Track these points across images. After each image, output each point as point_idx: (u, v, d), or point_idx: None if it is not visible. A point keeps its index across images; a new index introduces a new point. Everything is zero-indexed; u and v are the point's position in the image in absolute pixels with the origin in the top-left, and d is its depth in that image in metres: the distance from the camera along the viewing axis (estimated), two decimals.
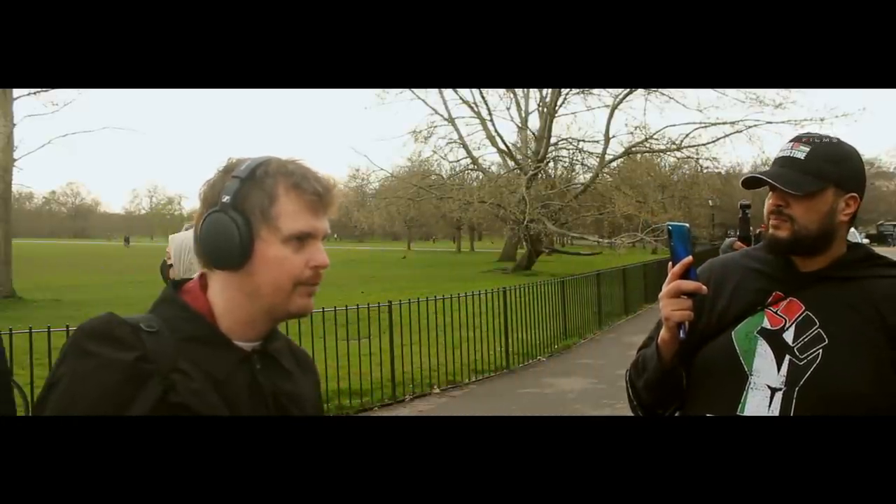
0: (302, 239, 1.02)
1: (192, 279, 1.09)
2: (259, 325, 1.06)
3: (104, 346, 0.92)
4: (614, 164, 27.63)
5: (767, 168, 1.43)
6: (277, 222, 1.01)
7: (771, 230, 1.40)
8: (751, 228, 4.50)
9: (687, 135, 25.55)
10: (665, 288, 1.37)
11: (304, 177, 1.02)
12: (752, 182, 1.43)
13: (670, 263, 1.38)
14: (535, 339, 9.21)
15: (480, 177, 28.94)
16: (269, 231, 1.01)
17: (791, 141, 1.42)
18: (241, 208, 1.00)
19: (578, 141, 27.68)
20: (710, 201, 30.43)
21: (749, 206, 4.41)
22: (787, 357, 1.35)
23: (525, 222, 23.34)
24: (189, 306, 1.04)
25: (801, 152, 1.38)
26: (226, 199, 1.00)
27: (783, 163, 1.39)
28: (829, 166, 1.36)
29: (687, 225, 1.42)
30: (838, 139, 1.42)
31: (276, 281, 1.02)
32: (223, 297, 1.04)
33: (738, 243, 4.29)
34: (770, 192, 1.39)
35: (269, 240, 1.01)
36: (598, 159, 26.65)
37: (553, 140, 27.33)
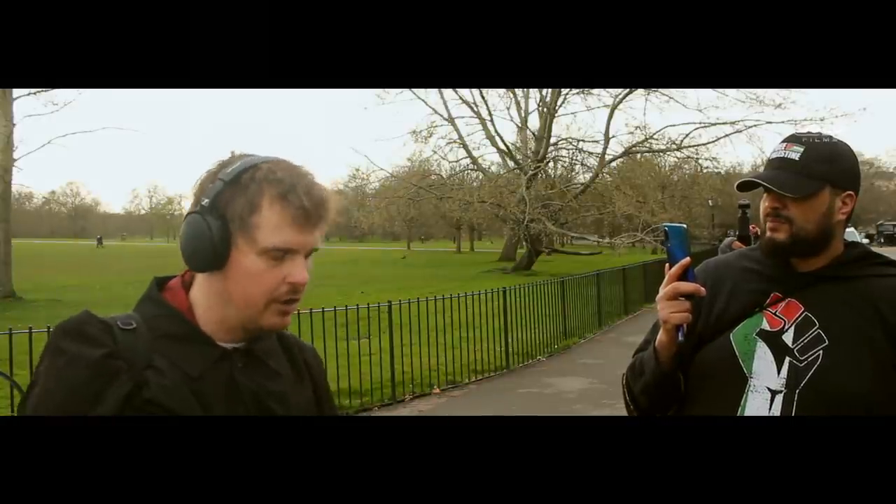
0: (281, 253, 0.98)
1: (176, 276, 1.08)
2: (234, 330, 1.03)
3: (74, 343, 0.93)
4: (614, 164, 27.66)
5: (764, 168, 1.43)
6: (255, 233, 0.97)
7: (768, 233, 1.39)
8: (750, 228, 4.51)
9: (687, 135, 25.61)
10: (662, 290, 1.35)
11: (293, 187, 0.97)
12: (747, 185, 1.41)
13: (667, 265, 1.37)
14: (535, 339, 9.21)
15: (480, 177, 28.96)
16: (246, 241, 0.97)
17: (784, 141, 1.40)
18: (220, 213, 0.97)
19: (578, 141, 27.74)
20: (710, 201, 30.44)
21: (748, 205, 4.41)
22: (787, 359, 1.34)
23: (525, 222, 23.34)
24: (168, 304, 1.03)
25: (795, 153, 1.36)
26: (205, 202, 0.97)
27: (777, 164, 1.38)
28: (823, 166, 1.35)
29: (684, 226, 1.40)
30: (830, 137, 1.41)
31: (248, 293, 0.99)
32: (202, 296, 1.03)
33: (737, 243, 4.29)
34: (765, 195, 1.38)
35: (245, 250, 0.97)
36: (598, 159, 26.68)
37: (553, 140, 27.35)
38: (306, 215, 0.98)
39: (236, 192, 0.97)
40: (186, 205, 1.04)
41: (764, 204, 1.38)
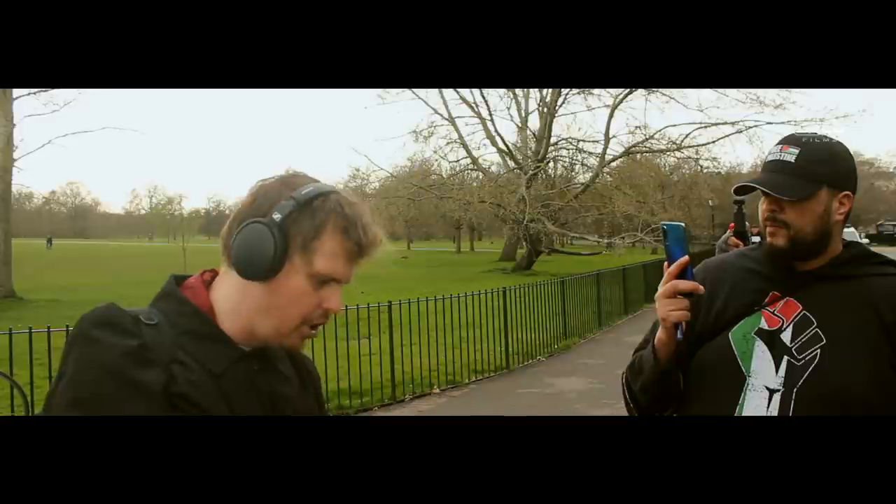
0: (327, 280, 1.02)
1: (193, 275, 1.09)
2: (255, 338, 1.05)
3: (107, 332, 0.93)
4: (614, 164, 27.68)
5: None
6: (312, 256, 1.00)
7: (768, 237, 1.39)
8: (746, 224, 4.51)
9: (687, 135, 25.66)
10: (661, 288, 1.35)
11: (355, 224, 1.02)
12: (744, 189, 1.41)
13: (665, 263, 1.37)
14: (535, 339, 9.21)
15: (480, 177, 28.98)
16: (302, 262, 1.01)
17: (779, 143, 1.40)
18: (285, 230, 0.99)
19: (578, 141, 27.77)
20: (710, 201, 30.43)
21: (743, 201, 4.41)
22: (785, 357, 1.34)
23: (525, 222, 23.36)
24: (189, 301, 1.04)
25: (791, 155, 1.36)
26: (276, 216, 0.99)
27: (774, 167, 1.37)
28: (820, 167, 1.35)
29: (682, 224, 1.40)
30: (826, 137, 1.40)
31: (287, 310, 1.02)
32: (231, 299, 1.04)
33: (734, 239, 4.30)
34: (763, 198, 1.38)
35: (298, 269, 1.01)
36: (598, 159, 26.70)
37: (553, 140, 27.40)
38: (359, 251, 1.04)
39: (306, 213, 1.00)
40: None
41: (762, 207, 1.39)
